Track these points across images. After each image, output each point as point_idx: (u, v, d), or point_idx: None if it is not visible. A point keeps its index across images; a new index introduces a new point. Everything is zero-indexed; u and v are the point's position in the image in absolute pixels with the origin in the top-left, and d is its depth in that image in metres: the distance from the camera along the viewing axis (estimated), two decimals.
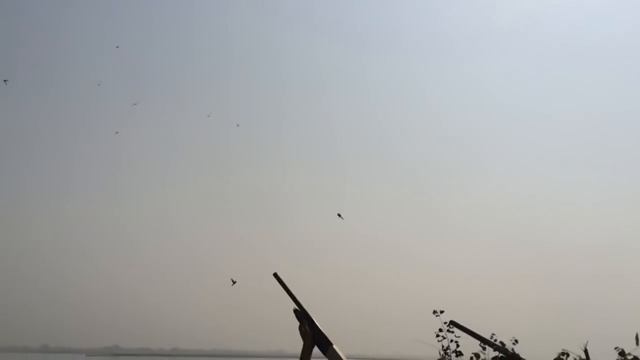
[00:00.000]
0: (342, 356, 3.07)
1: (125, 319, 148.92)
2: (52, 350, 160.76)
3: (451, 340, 5.07)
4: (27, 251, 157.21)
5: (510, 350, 3.98)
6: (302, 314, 3.13)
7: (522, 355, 3.97)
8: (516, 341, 4.14)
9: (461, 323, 4.46)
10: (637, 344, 3.97)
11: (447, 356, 5.02)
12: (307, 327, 3.11)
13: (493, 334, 4.06)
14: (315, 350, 3.11)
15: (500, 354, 3.82)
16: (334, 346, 3.08)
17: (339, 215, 7.88)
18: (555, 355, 3.96)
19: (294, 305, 3.16)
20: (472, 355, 4.25)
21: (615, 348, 3.91)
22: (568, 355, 4.11)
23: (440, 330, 5.07)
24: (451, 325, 3.97)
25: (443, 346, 5.03)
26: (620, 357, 3.94)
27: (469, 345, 4.85)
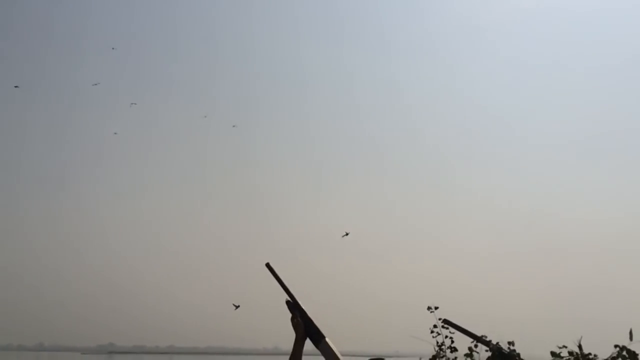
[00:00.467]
0: (335, 349, 3.05)
1: (121, 317, 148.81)
2: (47, 348, 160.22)
3: (446, 336, 5.09)
4: (21, 250, 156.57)
5: (506, 350, 3.99)
6: (294, 306, 3.09)
7: (521, 352, 3.98)
8: (512, 343, 4.14)
9: (455, 321, 4.46)
10: (630, 339, 4.00)
11: (441, 352, 5.04)
12: (299, 319, 3.08)
13: (484, 336, 4.05)
14: (311, 347, 3.11)
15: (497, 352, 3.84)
16: (327, 339, 3.05)
17: (346, 233, 7.93)
18: (553, 352, 3.99)
19: (287, 297, 3.13)
20: (468, 350, 4.28)
21: (616, 346, 3.95)
22: (566, 347, 4.16)
23: (435, 326, 5.09)
24: (445, 324, 3.97)
25: (438, 342, 5.06)
26: (618, 351, 3.98)
27: (465, 341, 4.87)
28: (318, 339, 3.05)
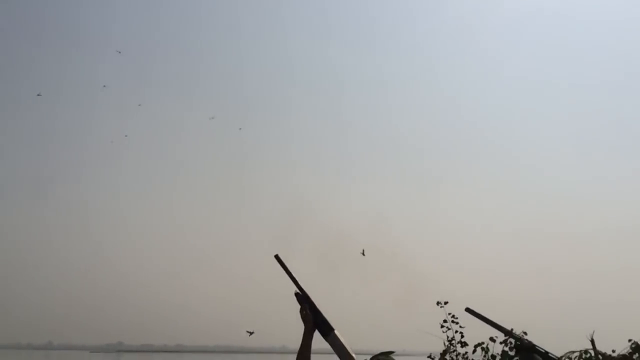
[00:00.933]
0: (344, 341, 3.02)
1: (129, 316, 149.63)
2: (56, 347, 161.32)
3: (456, 331, 5.06)
4: (31, 249, 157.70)
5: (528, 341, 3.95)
6: (303, 298, 3.07)
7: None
8: (525, 333, 4.10)
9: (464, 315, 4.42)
10: None
11: (452, 347, 5.01)
12: (308, 311, 3.05)
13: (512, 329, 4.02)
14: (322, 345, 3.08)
15: (515, 342, 3.79)
16: (336, 331, 3.03)
17: (363, 252, 7.91)
18: (566, 347, 3.94)
19: (296, 290, 3.10)
20: (489, 340, 4.21)
21: (630, 340, 3.88)
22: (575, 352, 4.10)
23: (445, 321, 5.06)
24: (467, 312, 3.89)
25: (448, 337, 5.03)
26: (631, 350, 3.92)
27: (475, 337, 4.83)
28: (327, 331, 3.03)
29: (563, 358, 4.15)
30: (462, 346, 5.04)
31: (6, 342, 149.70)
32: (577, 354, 4.12)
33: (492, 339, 4.41)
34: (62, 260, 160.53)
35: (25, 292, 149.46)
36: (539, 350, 3.56)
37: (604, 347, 4.12)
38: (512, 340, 3.91)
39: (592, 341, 4.14)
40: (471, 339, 4.81)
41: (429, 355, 5.12)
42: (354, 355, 3.09)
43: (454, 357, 5.06)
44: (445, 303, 5.05)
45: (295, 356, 3.03)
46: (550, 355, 3.52)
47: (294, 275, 3.09)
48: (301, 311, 3.07)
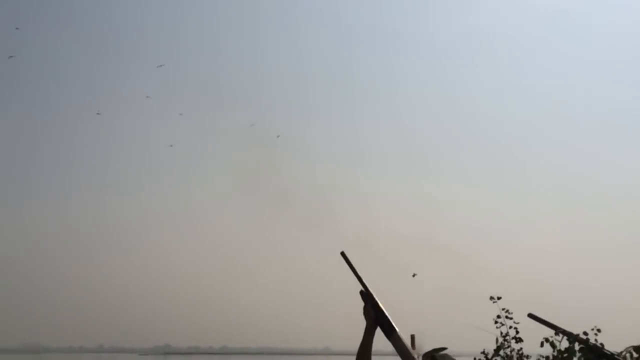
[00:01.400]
0: (406, 343, 3.02)
1: (176, 319, 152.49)
2: (107, 350, 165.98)
3: (510, 327, 4.95)
4: (81, 255, 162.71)
5: (594, 342, 3.85)
6: (366, 296, 3.10)
7: (605, 344, 3.83)
8: (599, 330, 3.98)
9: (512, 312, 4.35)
10: None
11: (506, 343, 4.90)
12: (370, 309, 3.08)
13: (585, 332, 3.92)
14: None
15: (579, 345, 3.69)
16: (399, 332, 3.04)
17: (414, 275, 7.88)
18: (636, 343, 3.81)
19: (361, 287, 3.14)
20: (543, 340, 4.12)
21: None
22: None
23: (499, 316, 4.95)
24: (530, 318, 3.80)
25: (502, 332, 4.92)
26: None
27: (529, 332, 4.73)
28: (389, 331, 3.04)
29: (623, 353, 4.02)
30: (517, 342, 4.93)
31: (60, 346, 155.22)
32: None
33: (547, 339, 4.32)
34: (112, 265, 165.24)
35: (77, 296, 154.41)
36: (606, 353, 3.47)
37: None
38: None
39: None
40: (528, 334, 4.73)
41: (482, 351, 5.03)
42: (416, 357, 3.08)
43: (509, 353, 4.95)
44: (499, 298, 4.95)
45: (354, 357, 3.04)
46: (616, 357, 3.42)
47: (359, 273, 3.12)
48: (364, 308, 3.10)
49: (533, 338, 4.74)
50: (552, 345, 4.07)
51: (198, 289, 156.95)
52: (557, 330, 3.72)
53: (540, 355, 4.97)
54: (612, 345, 4.12)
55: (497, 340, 4.90)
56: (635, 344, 3.96)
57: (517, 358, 4.87)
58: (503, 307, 4.96)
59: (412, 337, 3.13)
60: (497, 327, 4.95)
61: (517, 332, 4.92)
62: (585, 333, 4.02)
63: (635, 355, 3.82)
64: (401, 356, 3.06)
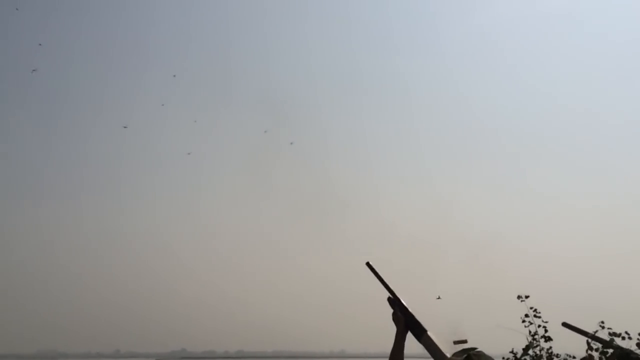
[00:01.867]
0: (438, 343, 3.03)
1: (192, 323, 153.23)
2: (123, 355, 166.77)
3: (539, 326, 4.93)
4: (97, 262, 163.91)
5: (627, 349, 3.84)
6: (394, 301, 3.14)
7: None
8: (629, 337, 3.96)
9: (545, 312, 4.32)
10: None
11: (535, 342, 4.88)
12: (399, 314, 3.10)
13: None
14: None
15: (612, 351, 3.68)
16: (429, 333, 3.05)
17: (439, 297, 7.90)
18: None
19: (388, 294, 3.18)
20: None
21: None
22: None
23: (527, 315, 4.94)
24: (564, 327, 3.79)
25: (530, 332, 4.91)
26: None
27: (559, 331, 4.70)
28: (420, 333, 3.06)
29: None
30: (545, 340, 4.92)
31: (76, 351, 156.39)
32: None
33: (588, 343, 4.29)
34: (128, 271, 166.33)
35: (93, 302, 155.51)
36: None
37: None
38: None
39: None
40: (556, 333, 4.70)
41: (511, 350, 5.02)
42: (448, 356, 3.10)
43: (538, 352, 4.93)
44: (527, 297, 4.94)
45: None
46: None
47: (385, 280, 3.16)
48: (393, 314, 3.13)
49: (562, 336, 4.73)
50: (589, 345, 4.03)
51: (214, 294, 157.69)
52: (594, 338, 3.72)
53: (568, 355, 4.94)
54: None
55: (526, 338, 4.89)
56: None
57: (547, 357, 4.85)
58: (531, 306, 4.96)
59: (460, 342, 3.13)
60: (525, 326, 4.94)
61: (546, 331, 4.91)
62: (615, 334, 3.99)
63: None
64: (433, 357, 3.07)
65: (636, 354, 3.78)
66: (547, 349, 4.89)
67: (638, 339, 4.09)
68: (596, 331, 4.06)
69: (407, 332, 3.10)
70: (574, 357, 4.83)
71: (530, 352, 4.90)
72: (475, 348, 3.63)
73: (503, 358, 5.09)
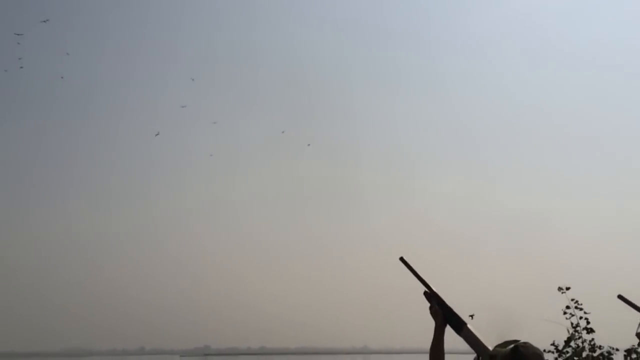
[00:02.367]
0: (478, 335, 3.03)
1: (216, 320, 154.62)
2: (148, 352, 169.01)
3: (580, 317, 4.90)
4: (122, 260, 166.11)
5: None
6: (431, 295, 3.13)
7: None
8: None
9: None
10: None
11: (577, 334, 4.86)
12: (437, 307, 3.11)
13: None
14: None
15: None
16: (469, 325, 3.05)
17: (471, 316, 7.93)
18: None
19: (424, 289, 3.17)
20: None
21: None
22: None
23: (568, 307, 4.92)
24: (620, 300, 3.75)
25: (572, 324, 4.88)
26: None
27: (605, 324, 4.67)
28: (459, 326, 3.06)
29: None
30: (588, 332, 4.89)
31: (102, 348, 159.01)
32: None
33: None
34: (154, 269, 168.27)
35: (119, 300, 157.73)
36: None
37: None
38: None
39: None
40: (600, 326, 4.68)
41: (552, 343, 5.00)
42: (489, 348, 3.10)
43: (580, 344, 4.91)
44: (567, 289, 4.91)
45: (392, 355, 3.08)
46: None
47: (421, 274, 3.16)
48: (430, 308, 3.14)
49: (605, 328, 4.70)
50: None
51: (237, 290, 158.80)
52: None
53: (611, 347, 4.91)
54: None
55: (568, 330, 4.88)
56: None
57: (589, 349, 4.83)
58: (572, 298, 4.93)
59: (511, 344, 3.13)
60: (566, 319, 4.91)
61: (588, 323, 4.88)
62: None
63: None
64: (474, 349, 3.07)
65: None
66: (590, 341, 4.87)
67: None
68: None
69: (445, 326, 3.10)
70: (617, 349, 4.80)
71: (572, 344, 4.89)
72: (517, 340, 3.64)
73: (545, 350, 5.08)
